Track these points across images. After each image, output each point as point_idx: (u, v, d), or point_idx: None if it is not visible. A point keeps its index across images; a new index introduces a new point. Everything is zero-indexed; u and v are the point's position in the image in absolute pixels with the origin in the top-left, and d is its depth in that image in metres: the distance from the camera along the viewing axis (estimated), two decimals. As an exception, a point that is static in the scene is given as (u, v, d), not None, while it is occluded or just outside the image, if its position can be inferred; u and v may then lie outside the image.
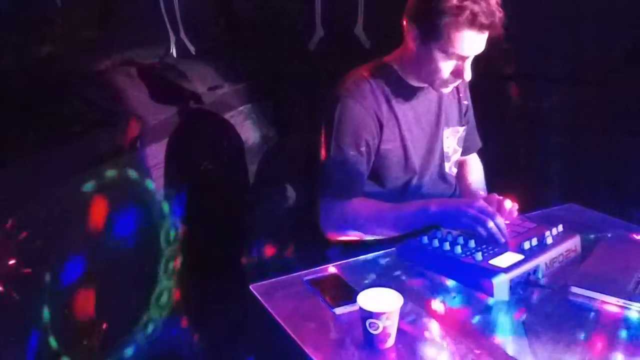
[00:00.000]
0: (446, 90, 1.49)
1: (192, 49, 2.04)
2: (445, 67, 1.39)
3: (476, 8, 1.28)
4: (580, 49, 1.87)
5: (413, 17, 1.39)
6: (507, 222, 1.33)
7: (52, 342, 1.41)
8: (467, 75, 1.40)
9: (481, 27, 1.30)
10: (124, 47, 1.80)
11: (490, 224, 1.25)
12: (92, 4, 1.64)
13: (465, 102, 1.66)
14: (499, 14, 1.31)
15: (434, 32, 1.34)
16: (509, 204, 1.38)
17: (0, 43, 1.39)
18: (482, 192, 1.67)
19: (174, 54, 1.99)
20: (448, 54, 1.36)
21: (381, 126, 1.47)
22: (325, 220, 1.47)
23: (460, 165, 1.75)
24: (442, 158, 1.60)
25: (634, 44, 1.76)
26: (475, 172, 1.76)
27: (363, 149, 1.45)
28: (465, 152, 1.73)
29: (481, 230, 1.26)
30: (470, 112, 1.70)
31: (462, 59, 1.37)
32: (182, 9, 1.97)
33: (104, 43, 1.69)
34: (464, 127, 1.64)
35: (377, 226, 1.43)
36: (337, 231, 1.48)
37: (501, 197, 1.40)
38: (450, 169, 1.63)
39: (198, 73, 2.06)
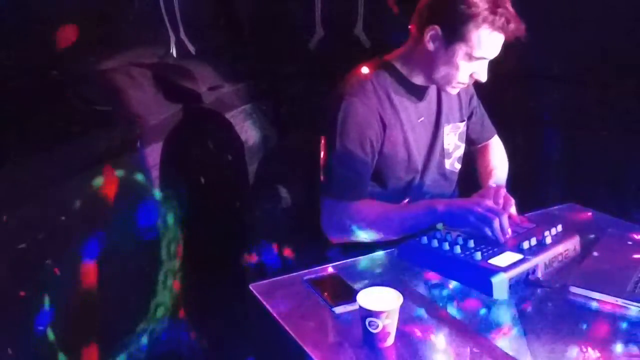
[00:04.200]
0: (454, 92, 1.51)
1: (192, 49, 2.03)
2: (465, 70, 1.40)
3: (507, 13, 1.33)
4: (580, 49, 1.87)
5: (435, 21, 1.38)
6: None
7: (52, 342, 1.41)
8: (484, 76, 1.43)
9: (510, 31, 1.35)
10: (124, 47, 1.79)
11: (496, 223, 1.25)
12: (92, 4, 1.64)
13: (468, 93, 1.67)
14: (519, 19, 1.36)
15: (461, 36, 1.35)
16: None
17: (0, 43, 1.39)
18: (501, 171, 1.68)
19: (174, 54, 1.99)
20: (473, 57, 1.37)
21: (384, 126, 1.47)
22: (328, 222, 1.44)
23: (480, 151, 1.77)
24: (443, 155, 1.60)
25: (634, 44, 1.76)
26: (494, 154, 1.76)
27: (368, 148, 1.44)
28: (479, 140, 1.75)
29: (487, 230, 1.26)
30: (475, 100, 1.70)
31: (483, 60, 1.40)
32: (182, 9, 1.97)
33: (104, 43, 1.68)
34: (464, 122, 1.65)
35: (383, 227, 1.41)
36: (340, 233, 1.44)
37: (508, 195, 1.40)
38: (452, 165, 1.63)
39: (198, 73, 2.06)
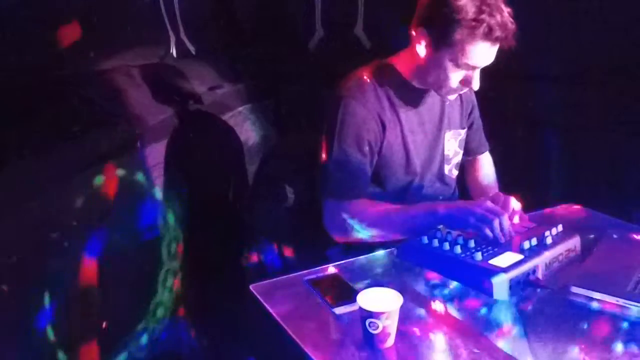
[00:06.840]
0: (451, 98, 1.51)
1: (192, 49, 2.04)
2: (455, 76, 1.39)
3: (492, 21, 1.29)
4: (580, 49, 1.87)
5: (424, 24, 1.37)
6: (515, 221, 1.34)
7: (52, 341, 1.41)
8: (476, 84, 1.41)
9: (496, 40, 1.32)
10: (124, 47, 1.80)
11: (496, 224, 1.25)
12: (93, 4, 1.64)
13: (470, 103, 1.66)
14: (511, 26, 1.32)
15: (446, 41, 1.33)
16: (515, 204, 1.38)
17: (0, 43, 1.39)
18: (493, 188, 1.68)
19: (174, 54, 1.99)
20: (459, 64, 1.36)
21: (384, 128, 1.46)
22: (331, 221, 1.45)
23: (471, 163, 1.77)
24: (442, 160, 1.60)
25: (634, 44, 1.76)
26: (486, 170, 1.77)
27: (366, 149, 1.44)
28: (473, 152, 1.74)
29: (487, 231, 1.25)
30: (476, 112, 1.70)
31: (473, 69, 1.38)
32: (182, 9, 1.97)
33: (104, 43, 1.69)
34: (465, 130, 1.65)
35: (384, 228, 1.41)
36: (343, 232, 1.45)
37: (507, 196, 1.40)
38: (450, 171, 1.63)
39: (198, 73, 2.07)
